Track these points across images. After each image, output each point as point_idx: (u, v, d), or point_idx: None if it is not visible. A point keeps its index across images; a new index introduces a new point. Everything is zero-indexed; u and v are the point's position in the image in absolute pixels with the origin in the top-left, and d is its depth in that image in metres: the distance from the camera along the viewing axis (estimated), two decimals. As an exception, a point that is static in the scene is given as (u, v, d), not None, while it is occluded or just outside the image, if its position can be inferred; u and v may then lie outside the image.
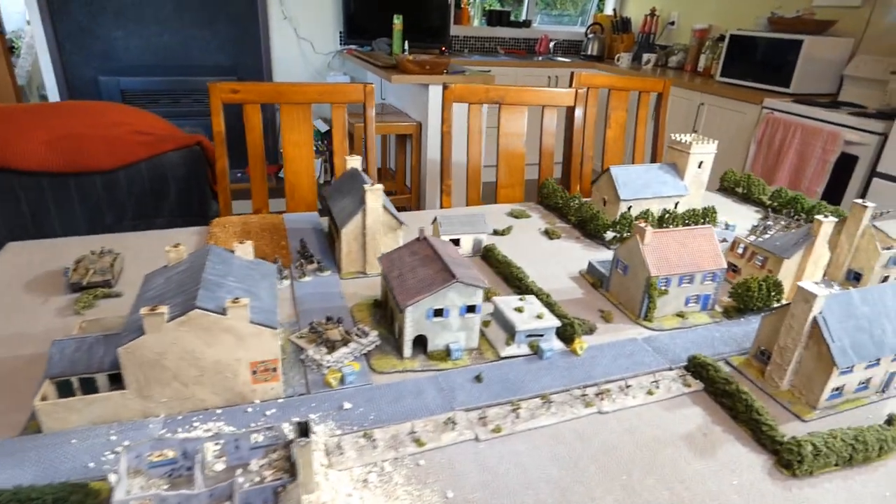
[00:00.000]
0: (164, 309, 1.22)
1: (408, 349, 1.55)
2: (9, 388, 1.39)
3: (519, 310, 1.65)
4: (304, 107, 2.97)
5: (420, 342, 1.56)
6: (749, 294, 1.84)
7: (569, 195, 2.70)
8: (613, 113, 3.85)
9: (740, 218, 2.78)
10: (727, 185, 3.26)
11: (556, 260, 2.22)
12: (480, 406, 1.39)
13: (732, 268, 2.14)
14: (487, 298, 1.82)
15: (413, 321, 1.51)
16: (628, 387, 1.47)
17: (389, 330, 1.68)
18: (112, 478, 1.06)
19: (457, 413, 1.35)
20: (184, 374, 1.29)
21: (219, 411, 1.33)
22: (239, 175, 6.60)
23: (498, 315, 1.70)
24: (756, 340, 1.62)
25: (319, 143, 7.53)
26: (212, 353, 1.29)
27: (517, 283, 1.93)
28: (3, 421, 1.27)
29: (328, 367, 1.48)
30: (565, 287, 2.01)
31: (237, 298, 1.26)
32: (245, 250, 1.56)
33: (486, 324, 1.70)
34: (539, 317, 1.62)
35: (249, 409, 1.34)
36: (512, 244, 2.34)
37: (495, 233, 2.43)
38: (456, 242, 2.17)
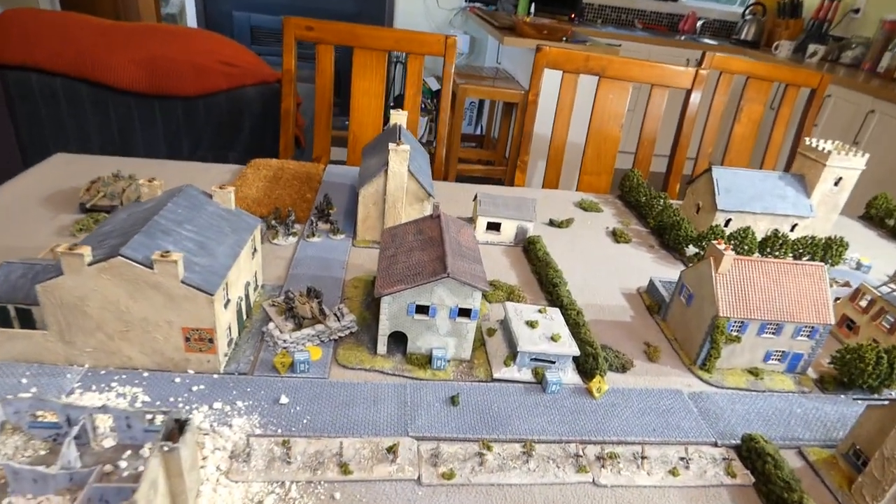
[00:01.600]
0: (85, 250, 1.04)
1: (382, 345, 1.28)
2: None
3: (532, 324, 1.31)
4: (378, 53, 2.73)
5: (402, 341, 1.28)
6: (861, 365, 1.35)
7: (654, 193, 2.24)
8: (747, 106, 3.22)
9: (881, 258, 2.17)
10: (874, 214, 2.59)
11: (614, 268, 1.83)
12: (441, 437, 1.10)
13: (848, 323, 1.63)
14: (489, 301, 1.50)
15: (390, 314, 1.24)
16: (644, 458, 1.10)
17: (376, 317, 1.42)
18: (-27, 432, 0.91)
19: (405, 441, 1.07)
20: (108, 326, 1.12)
21: (146, 374, 1.16)
22: (346, 123, 6.60)
23: (506, 326, 1.37)
24: (851, 434, 1.17)
25: (428, 101, 7.34)
26: (138, 308, 1.11)
27: (550, 288, 1.58)
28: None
29: (283, 348, 1.26)
30: (613, 304, 1.62)
31: (167, 252, 1.06)
32: (224, 196, 1.36)
33: (490, 332, 1.38)
34: (554, 338, 1.28)
35: (178, 380, 1.16)
36: (566, 240, 1.97)
37: (552, 223, 2.07)
38: (496, 228, 1.85)
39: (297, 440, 1.04)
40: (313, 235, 1.75)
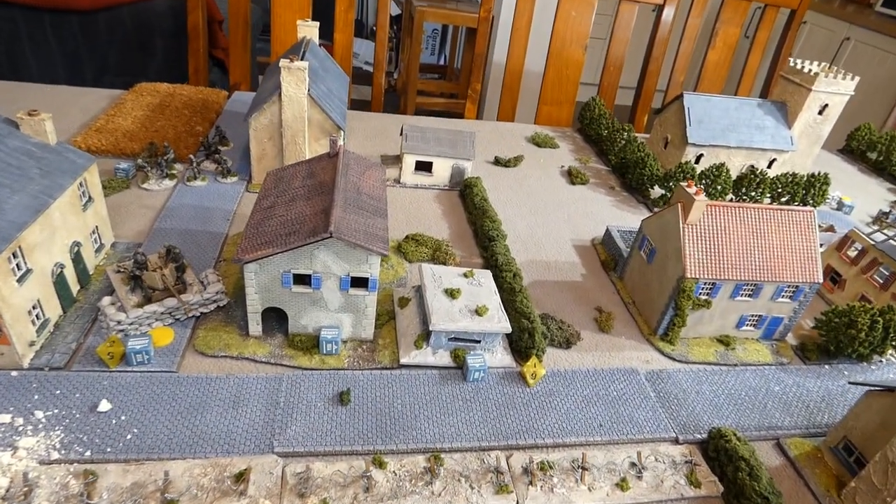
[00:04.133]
0: None
1: (254, 325, 0.98)
2: None
3: (452, 293, 1.02)
4: (299, -45, 2.27)
5: (283, 319, 0.99)
6: (851, 331, 1.12)
7: (617, 125, 1.94)
8: (723, 28, 2.86)
9: (864, 196, 1.94)
10: (856, 147, 2.35)
11: (566, 216, 1.54)
12: (318, 453, 0.83)
13: (833, 276, 1.39)
14: (409, 260, 1.21)
15: (259, 286, 0.93)
16: (584, 469, 0.85)
17: (257, 284, 1.11)
18: None
19: (265, 462, 0.79)
20: None
21: (-88, 375, 0.84)
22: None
23: (421, 297, 1.08)
24: (843, 425, 0.94)
25: (389, 29, 6.75)
26: None
27: (485, 242, 1.29)
28: None
29: (117, 332, 0.95)
30: (561, 261, 1.35)
31: None
32: (35, 126, 1.00)
33: (403, 303, 1.09)
34: (479, 311, 1.00)
35: (-44, 382, 0.84)
36: (513, 182, 1.66)
37: (497, 162, 1.75)
38: (426, 167, 1.53)
39: (107, 468, 0.75)
40: (195, 178, 1.40)
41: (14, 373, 0.86)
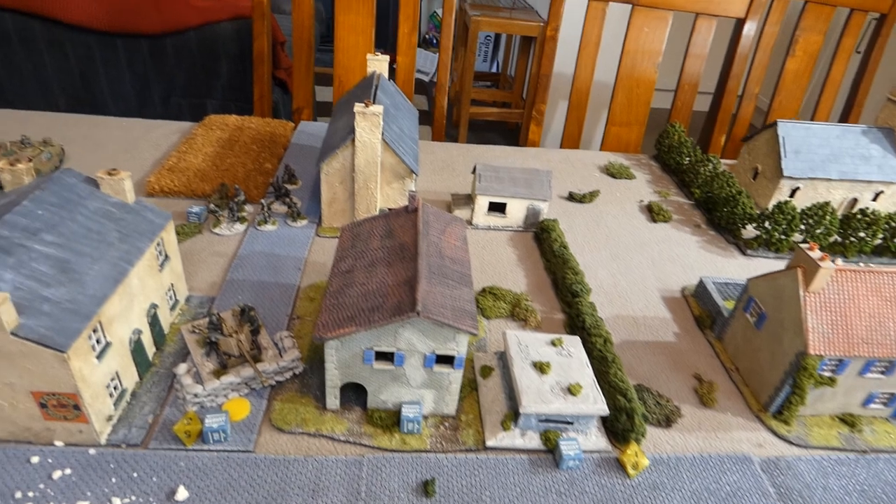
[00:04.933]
0: None
1: (332, 400, 0.92)
2: None
3: (542, 367, 0.94)
4: (364, -22, 2.24)
5: (360, 391, 0.93)
6: None
7: (700, 154, 1.80)
8: (803, 36, 2.65)
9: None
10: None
11: (650, 260, 1.42)
12: (405, 557, 0.76)
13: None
14: (486, 317, 1.13)
15: (339, 363, 0.87)
16: (703, 590, 0.75)
17: (332, 346, 1.06)
18: None
19: (349, 571, 0.73)
20: (-74, 390, 0.78)
21: (-6, 449, 0.83)
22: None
23: (506, 368, 1.00)
24: None
25: (436, 35, 6.72)
26: (-41, 369, 0.76)
27: (568, 297, 1.20)
28: None
29: (195, 405, 0.91)
30: (651, 316, 1.24)
31: (-21, 294, 0.69)
32: (115, 186, 0.97)
33: (485, 372, 1.02)
34: (573, 390, 0.91)
35: (35, 459, 0.82)
36: (590, 220, 1.56)
37: (572, 198, 1.65)
38: (500, 208, 1.44)
39: (187, 572, 0.70)
40: (266, 222, 1.37)
41: (92, 450, 0.84)
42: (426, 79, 6.59)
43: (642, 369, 1.08)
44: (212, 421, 0.85)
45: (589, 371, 0.95)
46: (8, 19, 2.88)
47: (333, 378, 0.89)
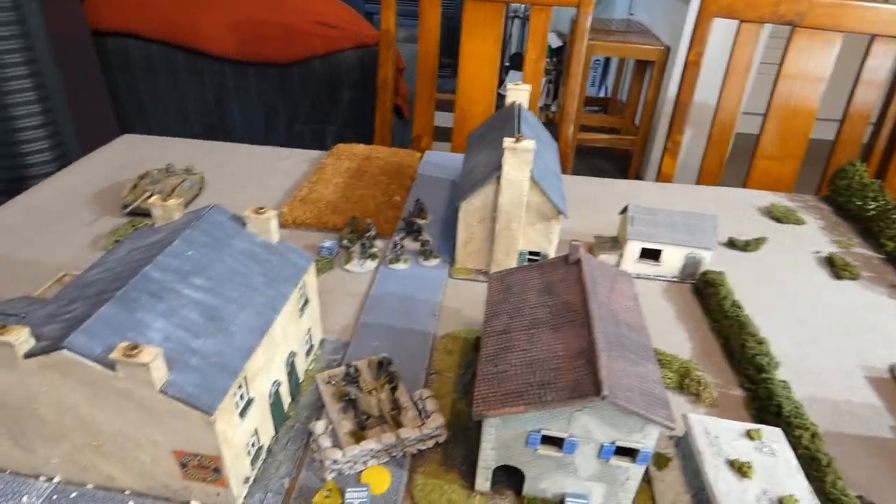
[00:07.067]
0: (16, 335, 0.66)
1: (483, 482, 0.80)
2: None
3: (741, 469, 0.76)
4: (494, 4, 2.17)
5: (514, 472, 0.80)
6: None
7: (889, 201, 1.53)
8: None
9: None
10: None
11: (843, 325, 1.19)
12: None
13: None
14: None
15: (498, 443, 0.75)
16: None
17: (476, 424, 0.94)
18: None
19: None
20: (74, 437, 0.75)
21: (131, 503, 0.78)
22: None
23: (690, 458, 0.83)
24: None
25: (549, 60, 6.61)
26: (106, 420, 0.72)
27: (751, 372, 1.00)
28: None
29: (333, 471, 0.82)
30: (855, 399, 1.01)
31: (134, 347, 0.64)
32: (262, 225, 0.93)
33: (661, 463, 0.85)
34: None
35: (172, 520, 0.76)
36: (757, 273, 1.35)
37: (732, 245, 1.45)
38: (653, 255, 1.28)
39: None
40: (397, 260, 1.30)
41: (227, 516, 0.77)
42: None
43: (858, 475, 0.87)
44: (353, 496, 0.76)
45: (801, 478, 0.76)
46: (155, 50, 3.11)
47: (488, 459, 0.77)
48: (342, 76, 3.06)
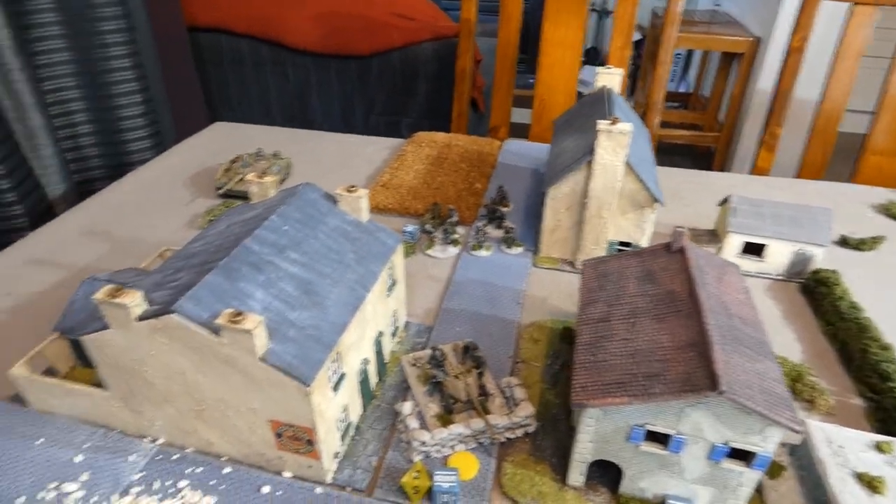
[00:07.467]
0: (131, 298, 0.69)
1: (577, 476, 0.77)
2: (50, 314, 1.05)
3: (872, 485, 0.69)
4: (580, -8, 2.10)
5: (610, 467, 0.76)
6: None
7: None
8: None
9: None
10: None
11: (976, 335, 1.06)
12: None
13: None
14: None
15: (597, 436, 0.71)
16: None
17: (567, 404, 0.90)
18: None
19: None
20: (178, 401, 0.77)
21: (228, 469, 0.80)
22: (531, 81, 5.98)
23: (810, 469, 0.76)
24: None
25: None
26: (209, 386, 0.73)
27: (872, 378, 0.91)
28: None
29: (420, 453, 0.81)
30: None
31: (238, 314, 0.65)
32: (353, 203, 0.93)
33: (775, 471, 0.78)
34: (924, 523, 0.64)
35: (265, 489, 0.77)
36: (876, 273, 1.23)
37: (844, 243, 1.33)
38: (756, 250, 1.19)
39: None
40: (480, 247, 1.27)
41: (318, 489, 0.77)
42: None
43: None
44: (442, 480, 0.74)
45: (944, 499, 0.68)
46: (243, 44, 3.24)
47: (584, 452, 0.73)
48: (419, 68, 3.07)
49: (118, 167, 2.22)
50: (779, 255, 1.17)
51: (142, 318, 0.69)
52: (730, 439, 0.65)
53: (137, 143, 2.25)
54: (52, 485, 0.77)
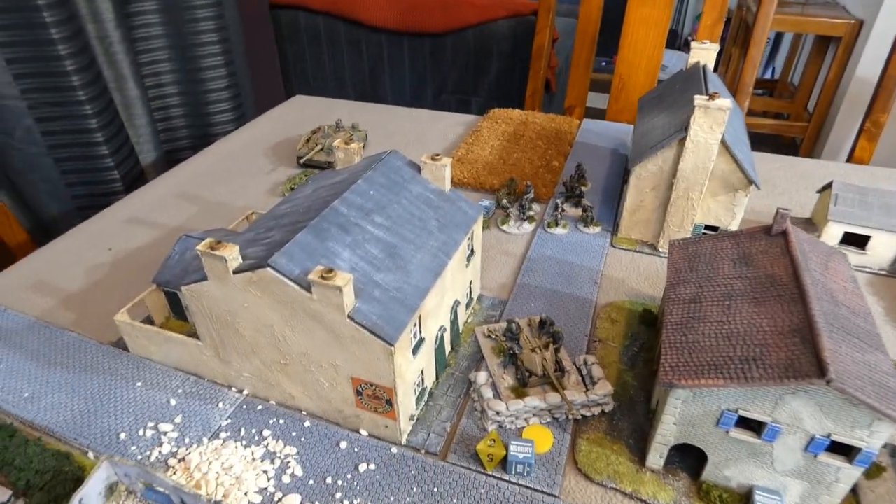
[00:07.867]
0: (229, 251, 0.71)
1: (656, 458, 0.74)
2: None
3: None
4: (669, -35, 2.00)
5: (694, 453, 0.73)
6: None
7: None
8: None
9: None
10: None
11: None
12: None
13: None
14: None
15: (683, 418, 0.69)
16: None
17: (646, 387, 0.88)
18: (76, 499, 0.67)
19: None
20: (264, 353, 0.81)
21: (307, 423, 0.83)
22: (603, 64, 5.78)
23: (914, 468, 0.71)
24: None
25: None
26: (296, 340, 0.76)
27: None
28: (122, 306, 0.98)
29: (494, 423, 0.81)
30: None
31: (329, 271, 0.66)
32: (437, 172, 0.93)
33: (874, 472, 0.73)
34: None
35: (343, 445, 0.80)
36: None
37: (960, 238, 1.21)
38: (859, 242, 1.11)
39: None
40: (556, 224, 1.25)
41: (394, 449, 0.79)
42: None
43: None
44: (518, 450, 0.74)
45: None
46: (320, 21, 3.30)
47: (667, 434, 0.71)
48: (492, 46, 3.03)
49: (203, 137, 2.32)
50: (884, 247, 1.09)
51: (237, 270, 0.72)
52: (832, 432, 0.61)
53: (222, 116, 2.34)
54: (150, 424, 0.83)
